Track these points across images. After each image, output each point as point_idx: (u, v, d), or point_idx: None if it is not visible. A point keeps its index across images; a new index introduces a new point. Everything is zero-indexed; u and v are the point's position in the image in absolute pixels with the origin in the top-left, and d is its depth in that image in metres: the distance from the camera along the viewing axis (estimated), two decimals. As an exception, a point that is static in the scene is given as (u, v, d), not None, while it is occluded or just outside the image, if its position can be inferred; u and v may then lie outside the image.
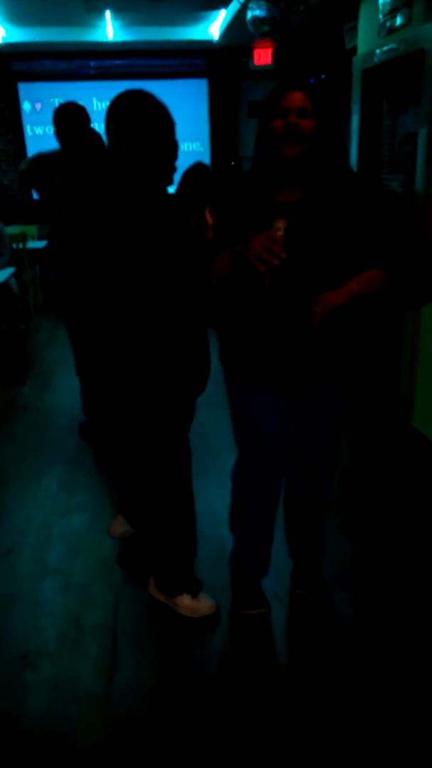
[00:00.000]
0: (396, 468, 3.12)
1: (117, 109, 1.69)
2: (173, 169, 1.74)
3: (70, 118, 2.95)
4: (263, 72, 6.39)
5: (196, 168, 1.90)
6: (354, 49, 4.25)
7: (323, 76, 6.17)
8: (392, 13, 3.19)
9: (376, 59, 3.41)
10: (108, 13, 5.25)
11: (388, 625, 2.09)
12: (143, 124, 1.65)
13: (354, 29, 4.43)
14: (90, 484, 3.02)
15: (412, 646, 2.00)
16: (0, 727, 1.76)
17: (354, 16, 4.21)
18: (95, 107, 7.01)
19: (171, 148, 1.71)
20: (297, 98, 1.58)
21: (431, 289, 1.72)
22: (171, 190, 1.86)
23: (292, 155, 1.59)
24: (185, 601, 2.14)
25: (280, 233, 1.53)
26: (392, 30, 3.22)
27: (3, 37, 5.93)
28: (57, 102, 6.65)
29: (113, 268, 1.68)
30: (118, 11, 5.11)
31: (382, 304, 1.78)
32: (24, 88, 6.94)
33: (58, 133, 2.98)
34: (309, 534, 2.15)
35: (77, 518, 2.76)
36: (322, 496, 2.10)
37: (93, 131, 3.06)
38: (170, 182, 1.77)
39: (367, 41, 3.60)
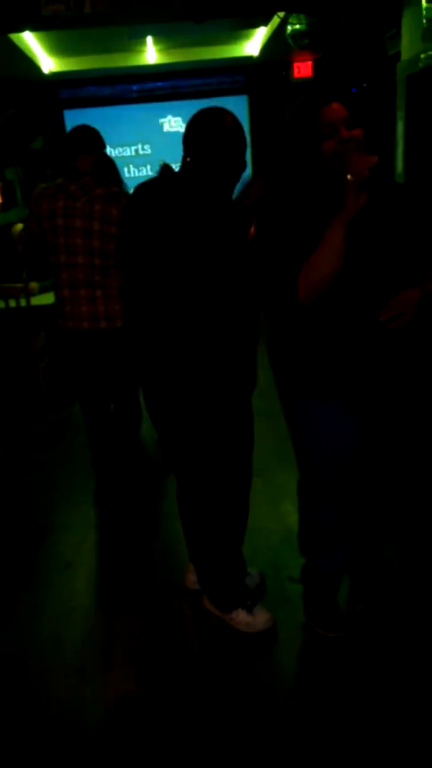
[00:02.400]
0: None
1: (192, 122, 1.77)
2: (236, 181, 1.77)
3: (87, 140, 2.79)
4: (303, 84, 6.42)
5: (257, 181, 1.92)
6: (396, 56, 4.22)
7: (365, 85, 6.14)
8: (437, 16, 3.15)
9: (421, 64, 3.37)
10: (149, 38, 5.38)
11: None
12: (209, 136, 1.71)
13: (396, 36, 4.39)
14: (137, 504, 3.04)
15: None
16: (60, 738, 1.78)
17: (395, 23, 4.18)
18: (140, 129, 7.20)
19: (235, 162, 1.75)
20: (336, 110, 1.54)
21: None
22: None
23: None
24: (241, 615, 2.10)
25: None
26: (437, 34, 3.18)
27: (51, 69, 6.14)
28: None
29: (171, 270, 1.71)
30: (159, 35, 5.22)
31: None
32: (70, 115, 7.16)
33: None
34: (371, 549, 2.11)
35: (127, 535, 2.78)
36: (383, 514, 2.05)
37: (105, 156, 2.92)
38: (230, 193, 1.79)
39: (411, 47, 3.56)
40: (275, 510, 2.12)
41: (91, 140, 2.68)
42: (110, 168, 2.88)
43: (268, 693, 1.88)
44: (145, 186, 1.81)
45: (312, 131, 1.58)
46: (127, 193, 2.70)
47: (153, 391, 1.91)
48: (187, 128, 1.77)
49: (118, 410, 3.12)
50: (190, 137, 1.75)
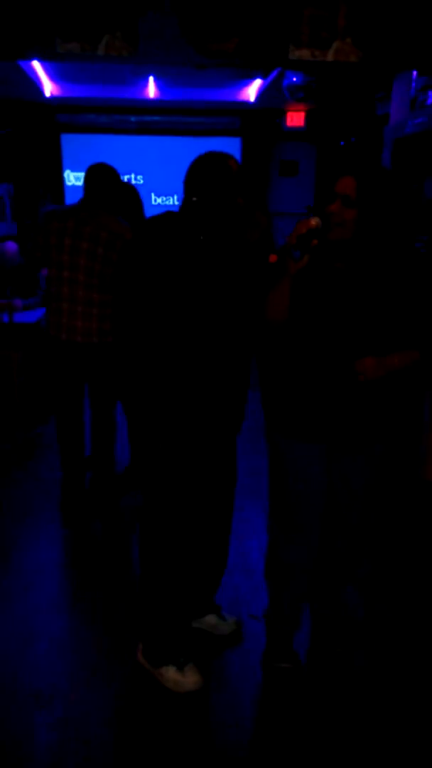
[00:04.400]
0: (418, 527, 3.12)
1: (199, 165, 1.84)
2: (236, 221, 1.86)
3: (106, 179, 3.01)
4: (295, 133, 6.68)
5: (257, 215, 2.02)
6: (384, 117, 4.46)
7: (353, 140, 6.42)
8: (424, 89, 3.36)
9: (407, 130, 3.57)
10: (151, 76, 5.56)
11: (402, 685, 2.07)
12: (218, 181, 1.79)
13: (386, 99, 4.64)
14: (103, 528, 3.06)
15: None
16: (9, 764, 1.77)
17: (386, 86, 4.42)
18: (134, 159, 7.35)
19: (240, 205, 1.85)
20: (346, 184, 1.68)
21: None
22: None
23: (333, 238, 1.70)
24: (170, 673, 2.02)
25: (314, 222, 1.64)
26: (424, 105, 3.39)
27: (53, 93, 6.27)
28: (94, 153, 7.03)
29: (170, 303, 1.78)
30: (161, 76, 5.40)
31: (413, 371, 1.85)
32: (66, 139, 7.30)
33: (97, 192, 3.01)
34: (337, 591, 2.17)
35: (92, 556, 2.79)
36: (355, 553, 2.12)
37: (125, 185, 3.24)
38: (232, 230, 1.86)
39: (400, 113, 3.78)
40: (240, 545, 2.16)
41: (103, 182, 2.91)
42: (129, 199, 3.18)
43: (216, 742, 1.89)
44: (153, 223, 1.88)
45: (327, 195, 1.74)
46: (130, 228, 2.91)
47: (139, 415, 1.96)
48: (193, 170, 1.83)
49: (95, 424, 3.18)
50: (197, 180, 1.81)
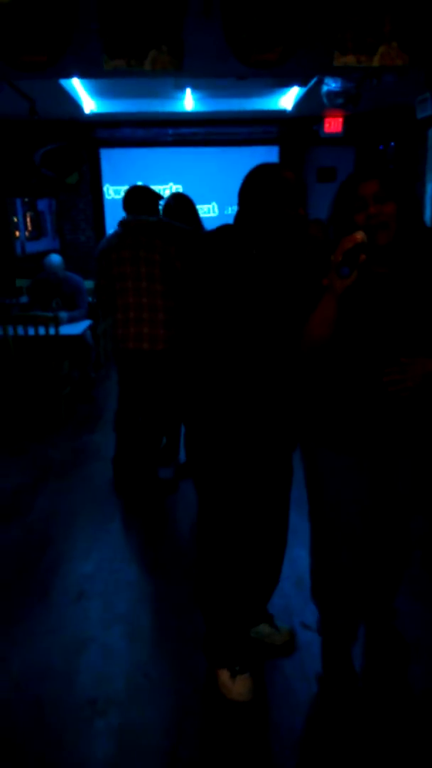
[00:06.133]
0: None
1: (255, 178, 1.79)
2: (297, 234, 1.81)
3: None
4: (332, 138, 6.65)
5: (313, 224, 1.99)
6: (425, 120, 4.40)
7: (392, 144, 6.36)
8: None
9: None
10: (189, 88, 5.62)
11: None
12: (279, 193, 1.74)
13: (426, 101, 4.59)
14: (153, 533, 3.08)
15: None
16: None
17: (425, 89, 4.37)
18: (172, 170, 7.43)
19: (302, 216, 1.79)
20: (371, 187, 1.64)
21: None
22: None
23: (383, 242, 1.65)
24: (223, 676, 2.01)
25: (360, 236, 1.57)
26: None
27: (92, 109, 6.40)
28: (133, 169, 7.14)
29: (223, 317, 1.77)
30: (198, 87, 5.46)
31: None
32: (105, 154, 7.43)
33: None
34: (384, 604, 2.13)
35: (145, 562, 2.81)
36: (397, 569, 2.08)
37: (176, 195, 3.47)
38: (292, 243, 1.82)
39: (443, 115, 3.72)
40: (288, 554, 2.14)
41: (143, 200, 3.08)
42: (185, 209, 3.40)
43: (272, 751, 1.87)
44: (211, 237, 1.87)
45: (347, 204, 1.69)
46: (186, 230, 3.12)
47: (194, 423, 1.96)
48: (251, 184, 1.79)
49: (145, 423, 3.35)
50: (252, 192, 1.78)
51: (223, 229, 1.85)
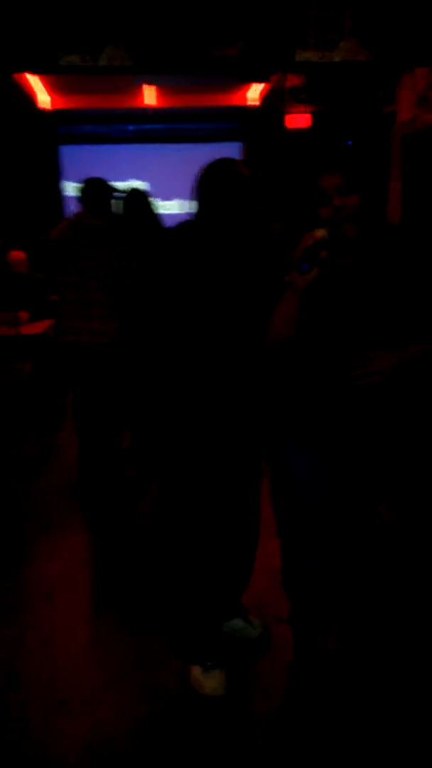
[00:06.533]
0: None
1: (206, 173, 1.74)
2: (258, 233, 1.79)
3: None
4: (298, 134, 6.61)
5: (274, 223, 1.96)
6: (390, 114, 4.39)
7: (357, 140, 6.36)
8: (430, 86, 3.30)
9: (416, 126, 3.51)
10: (150, 83, 5.53)
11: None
12: (237, 195, 1.70)
13: (391, 96, 4.58)
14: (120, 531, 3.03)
15: None
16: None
17: (391, 84, 4.36)
18: (134, 167, 7.32)
19: (262, 214, 1.79)
20: (334, 179, 1.61)
21: None
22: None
23: (352, 235, 1.61)
24: (195, 672, 2.01)
25: (320, 233, 1.55)
26: (433, 101, 3.33)
27: (49, 105, 6.25)
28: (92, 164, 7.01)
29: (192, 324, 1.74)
30: (159, 83, 5.37)
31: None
32: (65, 151, 7.26)
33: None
34: (355, 594, 2.11)
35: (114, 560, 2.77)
36: (363, 558, 2.06)
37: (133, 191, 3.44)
38: (250, 241, 1.80)
39: (408, 110, 3.72)
40: (262, 548, 2.13)
41: (97, 195, 3.14)
42: (141, 204, 3.37)
43: (244, 742, 1.85)
44: (180, 236, 1.82)
45: (309, 198, 1.65)
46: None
47: (162, 428, 1.92)
48: (203, 180, 1.75)
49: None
50: (207, 189, 1.73)
51: (185, 227, 1.80)
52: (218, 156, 1.79)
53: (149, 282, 1.84)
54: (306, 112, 6.00)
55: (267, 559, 2.50)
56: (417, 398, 1.84)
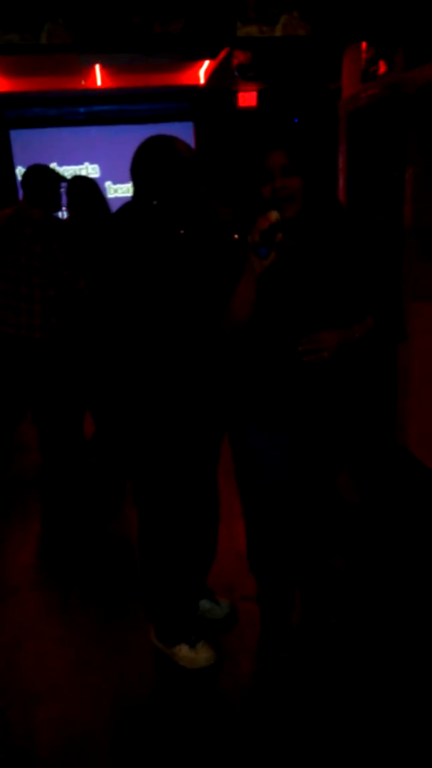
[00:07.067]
0: (395, 492, 3.17)
1: (145, 157, 1.70)
2: (200, 213, 1.78)
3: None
4: (248, 113, 6.61)
5: (219, 209, 1.96)
6: (337, 90, 4.43)
7: (305, 118, 6.40)
8: (374, 60, 3.35)
9: (360, 102, 3.57)
10: (98, 64, 5.45)
11: (393, 653, 2.11)
12: (173, 173, 1.67)
13: (337, 72, 4.62)
14: (85, 521, 3.03)
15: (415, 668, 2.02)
16: (12, 764, 1.76)
17: (337, 60, 4.40)
18: (87, 150, 7.22)
19: (198, 194, 1.74)
20: (278, 157, 1.63)
21: (398, 331, 1.82)
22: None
23: (290, 215, 1.64)
24: (183, 651, 2.07)
25: (274, 215, 1.57)
26: (375, 76, 3.38)
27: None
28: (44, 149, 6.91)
29: (142, 309, 1.73)
30: (108, 63, 5.30)
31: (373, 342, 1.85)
32: (16, 135, 7.11)
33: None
34: (319, 567, 2.18)
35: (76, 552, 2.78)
36: (326, 533, 2.13)
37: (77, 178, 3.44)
38: (197, 226, 1.79)
39: (352, 85, 3.76)
40: (228, 529, 2.17)
41: (38, 183, 3.07)
42: (87, 192, 3.37)
43: (216, 720, 1.90)
44: (126, 220, 1.81)
45: (255, 176, 1.67)
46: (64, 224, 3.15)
47: (116, 409, 1.93)
48: (138, 159, 1.71)
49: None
50: (143, 170, 1.69)
51: (125, 210, 1.80)
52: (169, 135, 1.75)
53: (97, 271, 1.82)
54: (254, 90, 6.00)
55: (233, 539, 2.57)
56: (358, 371, 1.91)
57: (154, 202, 1.70)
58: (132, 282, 1.73)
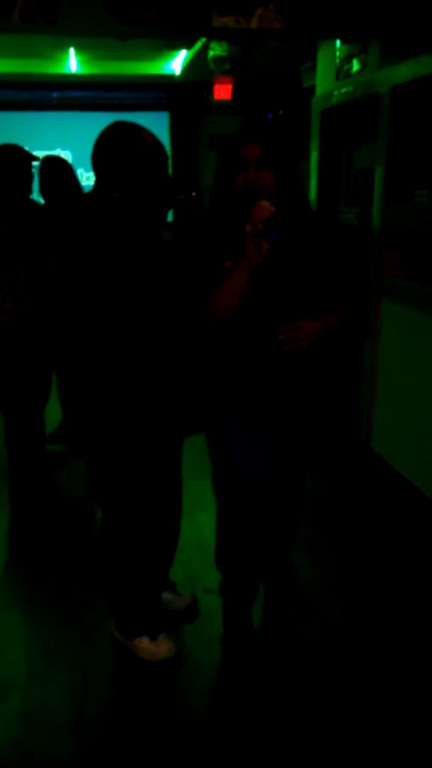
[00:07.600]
0: (357, 488, 3.21)
1: (107, 145, 1.65)
2: (168, 207, 1.75)
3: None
4: (223, 106, 6.59)
5: (191, 202, 1.94)
6: (310, 87, 4.46)
7: (281, 113, 6.41)
8: (348, 58, 3.37)
9: (333, 100, 3.58)
10: (72, 48, 5.37)
11: (353, 645, 2.14)
12: (137, 163, 1.62)
13: (312, 69, 4.64)
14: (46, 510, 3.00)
15: (378, 662, 2.05)
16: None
17: (311, 57, 4.42)
18: (59, 135, 7.12)
19: (164, 185, 1.70)
20: (253, 150, 1.63)
21: (364, 325, 1.85)
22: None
23: None
24: (143, 643, 2.05)
25: (266, 203, 1.57)
26: (349, 74, 3.40)
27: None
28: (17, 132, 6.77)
29: (109, 306, 1.69)
30: (83, 47, 5.23)
31: (344, 335, 1.87)
32: (-14, 118, 6.97)
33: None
34: (284, 561, 2.20)
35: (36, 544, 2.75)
36: (294, 528, 2.14)
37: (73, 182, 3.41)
38: (164, 221, 1.76)
39: (326, 83, 3.78)
40: (190, 522, 2.16)
41: (5, 170, 2.97)
42: (60, 173, 3.37)
43: (177, 713, 1.90)
44: (87, 217, 1.78)
45: (229, 165, 1.67)
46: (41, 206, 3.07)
47: (81, 397, 1.90)
48: (104, 153, 1.66)
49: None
50: (112, 165, 1.64)
51: (88, 202, 1.76)
52: (145, 126, 1.69)
53: (66, 258, 1.77)
54: (229, 83, 5.99)
55: (196, 532, 2.57)
56: (331, 365, 1.92)
57: (116, 194, 1.65)
58: (93, 277, 1.70)
